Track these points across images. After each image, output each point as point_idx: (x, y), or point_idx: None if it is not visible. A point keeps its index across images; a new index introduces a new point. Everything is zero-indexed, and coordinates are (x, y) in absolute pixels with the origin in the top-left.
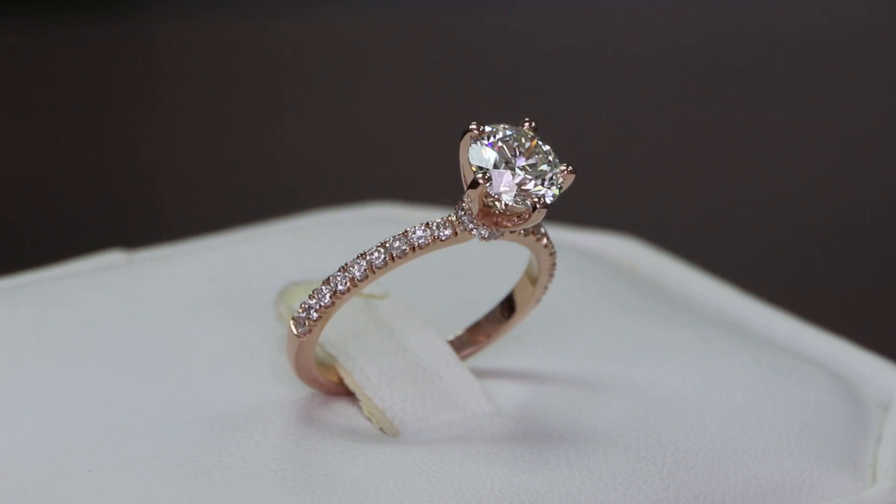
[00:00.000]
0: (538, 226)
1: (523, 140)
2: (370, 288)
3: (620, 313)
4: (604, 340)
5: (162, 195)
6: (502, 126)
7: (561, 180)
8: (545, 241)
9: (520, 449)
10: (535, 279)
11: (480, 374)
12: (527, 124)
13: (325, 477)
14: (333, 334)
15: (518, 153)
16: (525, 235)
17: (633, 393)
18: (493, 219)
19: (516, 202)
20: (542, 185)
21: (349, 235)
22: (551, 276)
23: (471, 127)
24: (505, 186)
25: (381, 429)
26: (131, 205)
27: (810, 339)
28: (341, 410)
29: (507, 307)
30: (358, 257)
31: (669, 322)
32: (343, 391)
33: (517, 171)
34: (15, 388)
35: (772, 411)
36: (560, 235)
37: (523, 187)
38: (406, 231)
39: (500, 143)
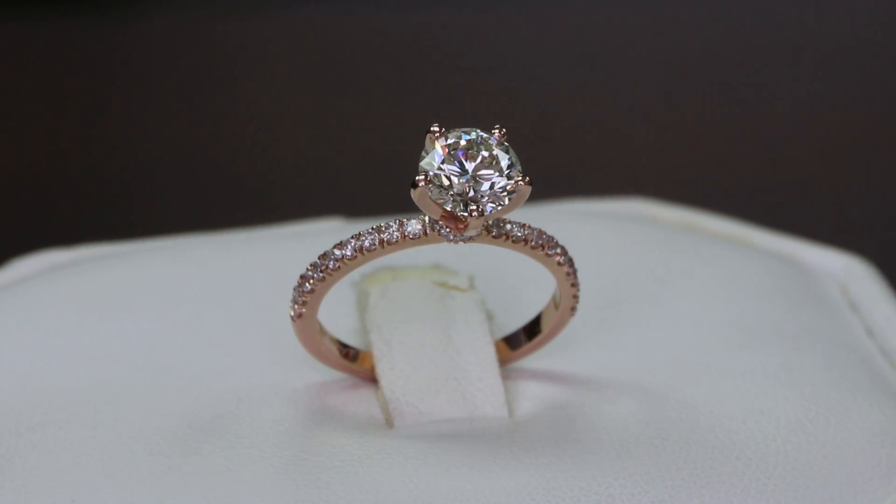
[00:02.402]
0: (536, 236)
1: (483, 146)
2: (455, 280)
3: (727, 329)
4: (681, 354)
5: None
6: (470, 130)
7: (514, 191)
8: (544, 251)
9: (481, 453)
10: (558, 304)
11: (529, 374)
12: (496, 131)
13: (261, 459)
14: (385, 320)
15: (475, 159)
16: (515, 242)
17: (654, 410)
18: (456, 222)
19: (456, 208)
20: (497, 193)
21: (586, 228)
22: (572, 285)
23: (432, 129)
24: (453, 190)
25: (386, 420)
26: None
27: None
28: (357, 398)
29: (531, 329)
30: (334, 247)
31: (776, 345)
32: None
33: (467, 177)
34: (71, 339)
35: (777, 446)
36: (771, 241)
37: (472, 194)
38: (380, 226)
39: (458, 147)
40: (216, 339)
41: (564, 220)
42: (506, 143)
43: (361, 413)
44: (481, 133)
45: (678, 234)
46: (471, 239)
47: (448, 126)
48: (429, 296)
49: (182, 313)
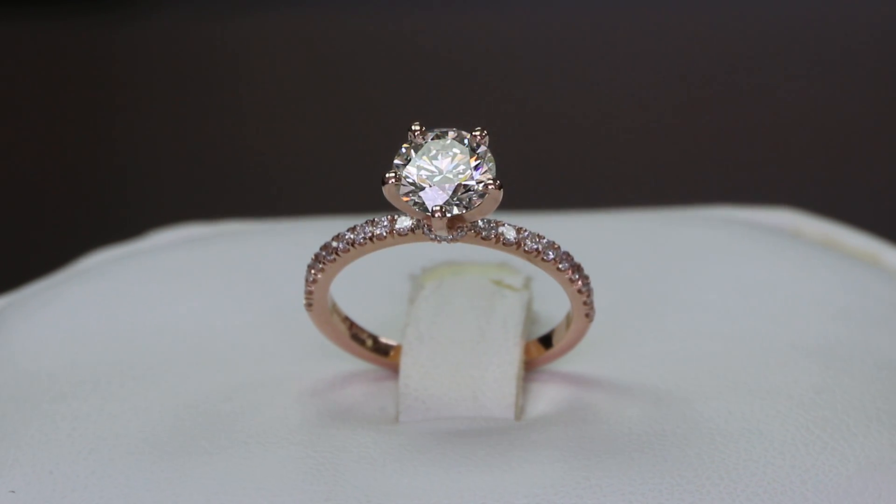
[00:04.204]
0: (532, 240)
1: (458, 148)
2: (511, 279)
3: (780, 347)
4: (716, 368)
5: None
6: (450, 130)
7: (484, 194)
8: (540, 256)
9: (457, 453)
10: (570, 319)
11: (559, 377)
12: (478, 133)
13: (242, 444)
14: (426, 315)
15: (450, 159)
16: (506, 245)
17: (654, 422)
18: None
19: (422, 206)
20: (466, 195)
21: (706, 234)
22: (579, 291)
23: (413, 127)
24: (417, 190)
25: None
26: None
27: None
28: (378, 391)
29: (546, 341)
30: (332, 239)
31: (821, 366)
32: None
33: (437, 177)
34: (142, 312)
35: (755, 468)
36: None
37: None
38: (374, 219)
39: (433, 147)
40: (274, 323)
41: (689, 224)
42: (484, 146)
43: (374, 405)
44: (462, 134)
45: (799, 246)
46: (454, 240)
47: (447, 126)
48: (479, 293)
49: (254, 295)
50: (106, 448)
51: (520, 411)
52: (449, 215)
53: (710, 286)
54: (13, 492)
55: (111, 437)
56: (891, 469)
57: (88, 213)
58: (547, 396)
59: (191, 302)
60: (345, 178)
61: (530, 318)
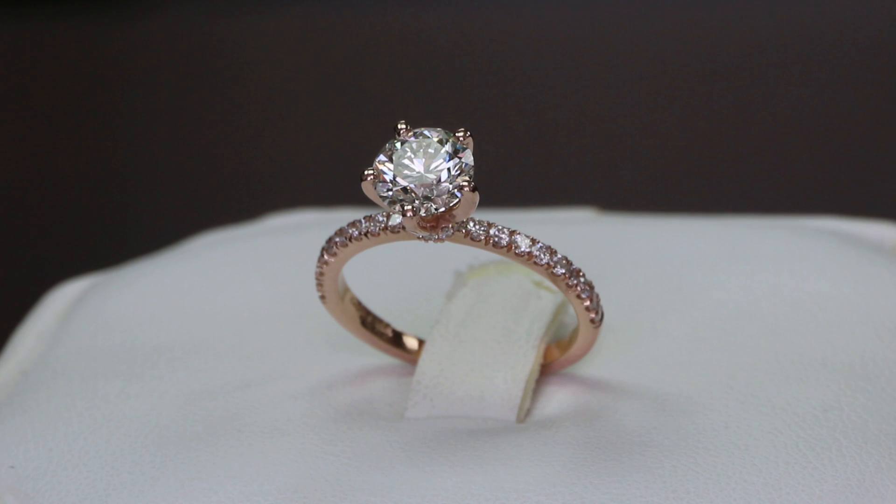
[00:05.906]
0: (526, 244)
1: (438, 148)
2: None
3: (807, 363)
4: (734, 380)
5: None
6: (434, 130)
7: (458, 195)
8: (532, 260)
9: (437, 454)
10: (577, 330)
11: (578, 381)
12: (461, 134)
13: (237, 432)
14: (457, 313)
15: (430, 159)
16: (496, 247)
17: (647, 432)
18: (428, 220)
19: (394, 205)
20: (441, 195)
21: (789, 242)
22: (578, 297)
23: (398, 125)
24: (396, 187)
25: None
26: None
27: None
28: (395, 386)
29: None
30: (335, 234)
31: (841, 384)
32: None
33: (414, 175)
34: (210, 296)
35: (725, 483)
36: None
37: (419, 193)
38: (371, 216)
39: (413, 146)
40: (321, 313)
41: (772, 232)
42: (468, 147)
43: (385, 401)
44: (446, 134)
45: (882, 261)
46: (439, 239)
47: (442, 125)
48: (516, 293)
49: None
50: (107, 430)
51: (524, 413)
52: (422, 215)
53: (764, 296)
54: (13, 467)
55: (116, 419)
56: (867, 492)
57: (214, 194)
58: (556, 399)
59: (252, 289)
60: None
61: (559, 320)
